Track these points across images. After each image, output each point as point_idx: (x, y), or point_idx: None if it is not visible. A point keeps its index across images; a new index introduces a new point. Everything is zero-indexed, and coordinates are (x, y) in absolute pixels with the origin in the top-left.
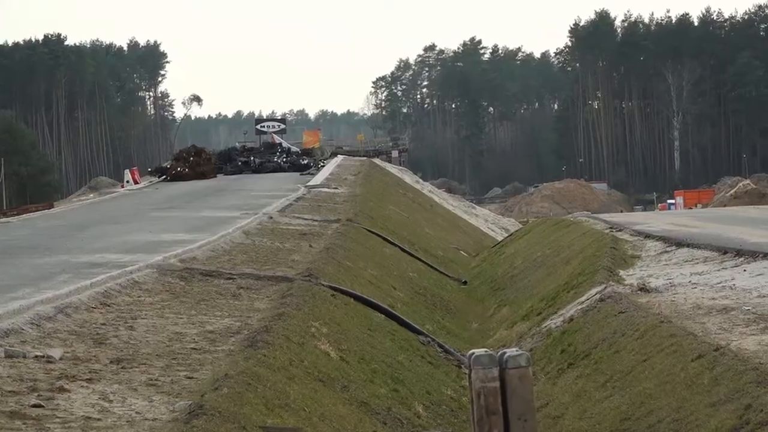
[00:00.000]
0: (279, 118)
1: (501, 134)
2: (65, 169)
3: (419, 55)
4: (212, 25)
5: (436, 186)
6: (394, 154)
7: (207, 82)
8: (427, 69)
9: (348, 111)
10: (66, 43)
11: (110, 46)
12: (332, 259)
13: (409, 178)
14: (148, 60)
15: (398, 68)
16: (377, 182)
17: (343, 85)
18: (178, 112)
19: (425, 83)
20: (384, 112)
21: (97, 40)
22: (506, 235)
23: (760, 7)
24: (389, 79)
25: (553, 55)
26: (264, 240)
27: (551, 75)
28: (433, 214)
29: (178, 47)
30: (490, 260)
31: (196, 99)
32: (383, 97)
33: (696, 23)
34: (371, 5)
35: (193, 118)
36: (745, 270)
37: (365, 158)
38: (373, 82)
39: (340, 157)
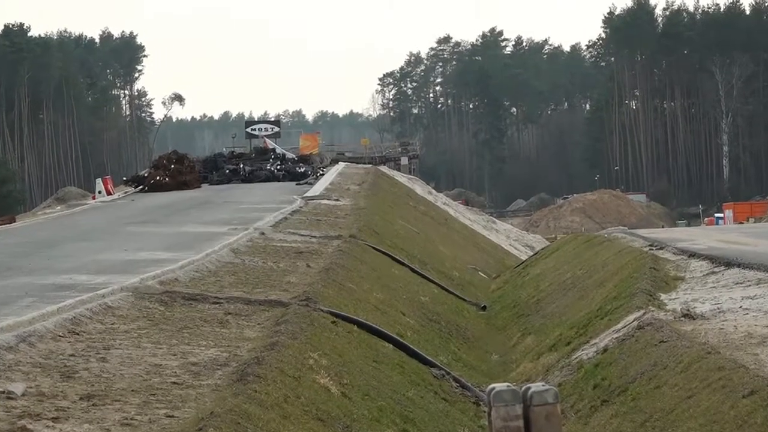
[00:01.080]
0: (272, 120)
1: (525, 138)
2: (29, 178)
3: (432, 49)
4: (195, 14)
5: (452, 197)
6: (404, 161)
7: (190, 79)
8: (441, 64)
9: (351, 112)
10: (30, 34)
11: (80, 37)
12: (333, 281)
13: (420, 188)
14: (123, 54)
15: (408, 63)
16: (384, 193)
17: (345, 83)
18: (158, 113)
19: (439, 80)
20: (392, 114)
21: (65, 31)
22: (531, 253)
23: None
24: (398, 75)
25: (584, 48)
26: (255, 259)
27: (582, 71)
28: (447, 230)
29: (157, 39)
30: (513, 282)
31: (178, 98)
32: (391, 96)
33: (748, 12)
34: None
35: (174, 120)
36: None
37: (370, 166)
38: (380, 80)
39: (341, 165)
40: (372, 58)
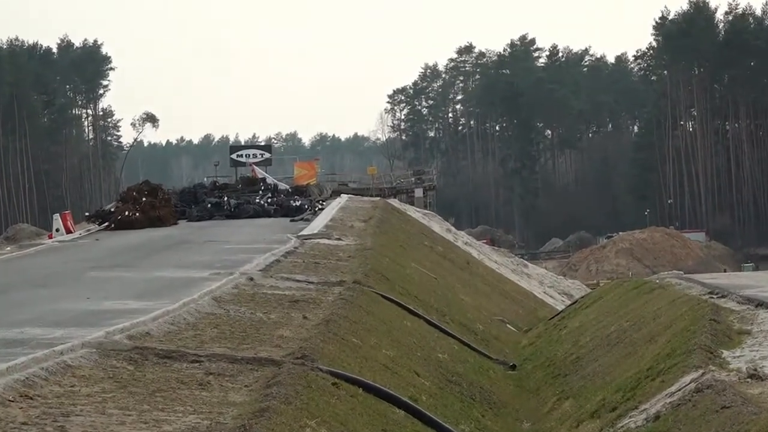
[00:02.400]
0: (262, 144)
1: (562, 167)
2: None
3: (451, 60)
4: (171, 20)
5: (475, 236)
6: (418, 192)
7: (165, 97)
8: (461, 78)
9: (355, 135)
10: None
11: (34, 47)
12: (334, 335)
13: (438, 225)
14: (86, 66)
15: (423, 78)
16: (395, 231)
17: (347, 101)
18: (126, 136)
19: (459, 97)
20: (404, 137)
21: (16, 40)
22: (569, 302)
23: None
24: (410, 92)
25: (631, 59)
26: (242, 309)
27: (630, 86)
28: (470, 275)
29: (125, 49)
30: (548, 337)
31: (151, 119)
32: (402, 117)
33: None
34: None
35: (146, 144)
36: None
37: (378, 199)
38: (389, 97)
39: (344, 197)
40: (380, 72)
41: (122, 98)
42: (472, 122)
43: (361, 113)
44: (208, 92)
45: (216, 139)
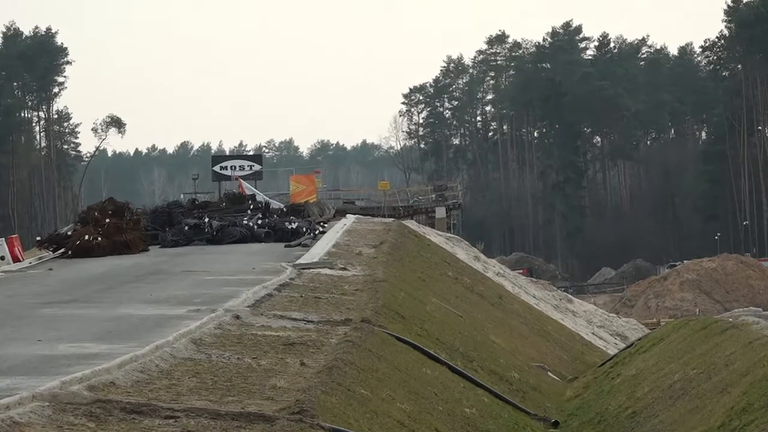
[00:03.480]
0: (251, 154)
1: (614, 181)
2: None
3: (480, 52)
4: (140, 7)
5: (509, 265)
6: (440, 212)
7: (133, 97)
8: (492, 74)
9: (363, 143)
10: None
11: None
12: (338, 385)
13: (463, 252)
14: (37, 59)
15: (445, 73)
16: (412, 259)
17: (354, 102)
18: (86, 144)
19: (489, 97)
20: (422, 145)
21: None
22: (623, 345)
23: None
24: (430, 90)
25: (698, 51)
26: (226, 354)
27: (696, 84)
28: (503, 312)
29: (84, 39)
30: (598, 387)
31: (116, 123)
32: (421, 121)
33: None
34: None
35: (110, 153)
36: None
37: (392, 220)
38: (405, 96)
39: (350, 218)
40: (393, 67)
41: (81, 98)
42: (504, 127)
43: (371, 117)
44: (185, 92)
45: (195, 148)
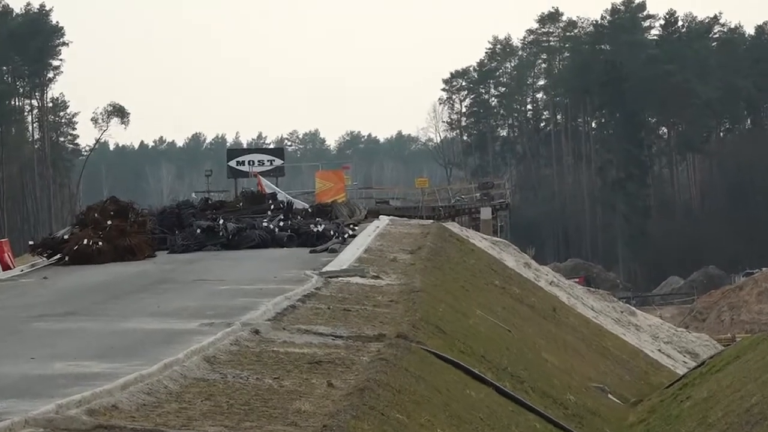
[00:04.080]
0: (271, 147)
1: (682, 177)
2: None
3: (530, 32)
4: None
5: (564, 273)
6: (485, 213)
7: (138, 83)
8: (544, 56)
9: (398, 135)
10: None
11: None
12: (371, 408)
13: (512, 258)
14: (30, 40)
15: (491, 56)
16: (454, 266)
17: (388, 89)
18: (85, 136)
19: (541, 83)
20: (465, 137)
21: None
22: (694, 364)
23: None
24: (474, 75)
25: None
26: (244, 374)
27: None
28: (557, 326)
29: (83, 18)
30: (664, 411)
31: (119, 113)
32: (464, 110)
33: None
34: None
35: (112, 147)
36: None
37: (431, 222)
38: (446, 82)
39: (384, 220)
40: (432, 49)
41: (79, 85)
42: (558, 116)
43: (407, 105)
44: (197, 77)
45: (208, 141)
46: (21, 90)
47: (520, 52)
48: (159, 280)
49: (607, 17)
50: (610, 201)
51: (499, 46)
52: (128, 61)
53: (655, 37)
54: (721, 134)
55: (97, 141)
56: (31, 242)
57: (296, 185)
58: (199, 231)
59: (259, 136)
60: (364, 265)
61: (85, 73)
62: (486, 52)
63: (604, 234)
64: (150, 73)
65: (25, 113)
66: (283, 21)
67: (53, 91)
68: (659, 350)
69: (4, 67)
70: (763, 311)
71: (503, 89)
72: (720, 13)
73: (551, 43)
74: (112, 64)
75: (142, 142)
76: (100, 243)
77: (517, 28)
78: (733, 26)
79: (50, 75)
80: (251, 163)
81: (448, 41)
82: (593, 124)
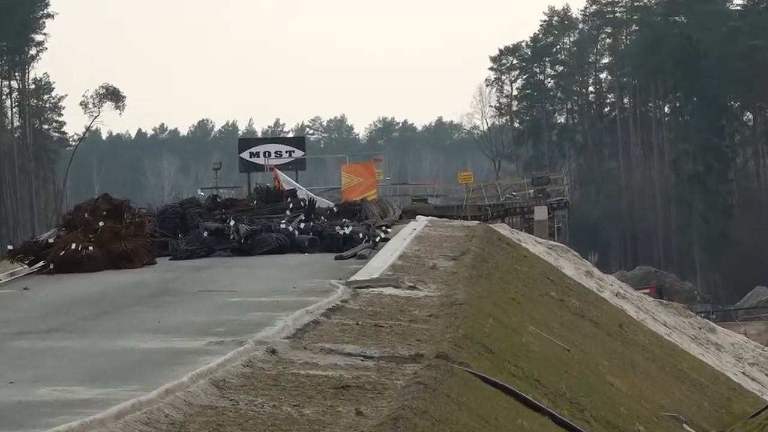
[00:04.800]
0: (290, 136)
1: None
2: None
3: (592, 1)
4: None
5: (632, 283)
6: (540, 213)
7: (135, 62)
8: (608, 30)
9: (438, 122)
10: None
11: None
12: None
13: (572, 265)
14: (9, 11)
15: (547, 29)
16: (503, 275)
17: (426, 68)
18: (74, 124)
19: (605, 61)
20: (517, 124)
21: None
22: None
23: None
24: (527, 53)
25: None
26: (258, 400)
27: None
28: (624, 344)
29: None
30: None
31: (113, 96)
32: (515, 93)
33: None
34: None
35: (104, 136)
36: None
37: (477, 223)
38: (494, 60)
39: (422, 221)
40: (478, 22)
41: (66, 63)
42: (625, 100)
43: (448, 87)
44: (203, 55)
45: (216, 129)
46: (1, 67)
47: (580, 25)
48: (159, 291)
49: None
50: (686, 199)
51: (556, 18)
52: (124, 36)
53: (739, 7)
54: None
55: (88, 129)
56: (9, 247)
57: (319, 180)
58: (206, 234)
59: (276, 124)
60: (398, 273)
61: (74, 49)
62: (541, 26)
63: (678, 237)
64: (149, 50)
65: (3, 96)
66: None
67: (36, 70)
68: (743, 373)
69: None
70: None
71: (561, 68)
72: None
73: (617, 15)
74: (105, 39)
75: (139, 130)
76: (91, 248)
77: None
78: None
79: (32, 52)
80: (267, 154)
81: (496, 13)
82: (666, 109)
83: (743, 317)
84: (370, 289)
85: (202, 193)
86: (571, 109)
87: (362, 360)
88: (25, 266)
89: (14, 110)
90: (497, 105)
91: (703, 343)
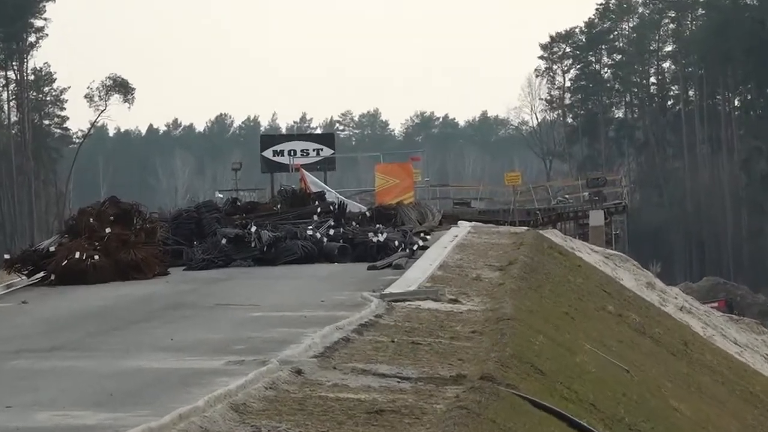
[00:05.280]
0: (318, 133)
1: None
2: None
3: None
4: None
5: (699, 296)
6: (596, 218)
7: (145, 51)
8: (672, 14)
9: (482, 116)
10: None
11: None
12: None
13: (630, 276)
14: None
15: (603, 13)
16: (555, 287)
17: (469, 57)
18: (78, 118)
19: (669, 49)
20: (570, 119)
21: None
22: None
23: None
24: (581, 40)
25: None
26: (282, 426)
27: None
28: (689, 365)
29: None
30: None
31: (121, 88)
32: (568, 83)
33: None
34: None
35: (112, 133)
36: None
37: (525, 229)
38: (544, 48)
39: (464, 226)
40: (527, 5)
41: (70, 52)
42: (690, 92)
43: (493, 78)
44: (221, 43)
45: (236, 125)
46: None
47: (640, 9)
48: (173, 304)
49: None
50: (758, 201)
51: (613, 1)
52: (133, 23)
53: None
54: None
55: (93, 124)
56: (6, 256)
57: (351, 182)
58: (224, 241)
59: (303, 119)
60: (438, 285)
61: (78, 37)
62: (596, 10)
63: (750, 245)
64: (161, 37)
65: (0, 88)
66: None
67: (35, 60)
68: None
69: None
70: None
71: (619, 57)
72: None
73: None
74: (112, 25)
75: (151, 126)
76: (97, 257)
77: None
78: None
79: (32, 39)
80: (292, 153)
81: None
82: (736, 102)
83: None
84: (407, 303)
85: (221, 196)
86: (631, 103)
87: (398, 381)
88: (24, 277)
89: (11, 104)
90: (548, 98)
91: None
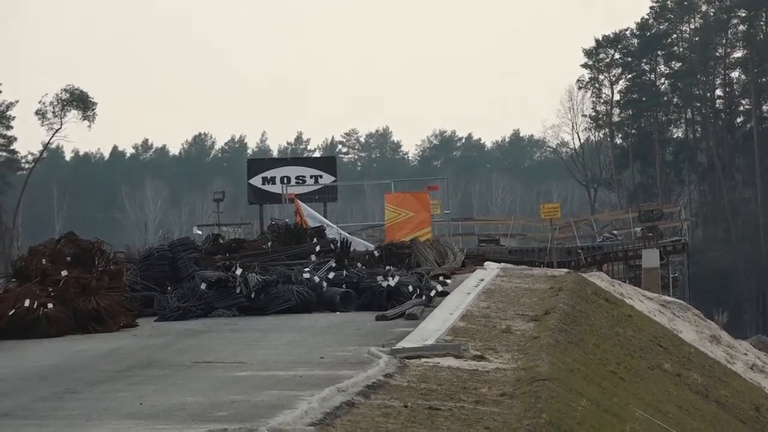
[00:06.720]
0: (316, 157)
1: None
2: None
3: None
4: None
5: None
6: (650, 258)
7: (109, 59)
8: (742, 14)
9: (513, 136)
10: None
11: None
12: None
13: (691, 328)
14: None
15: (658, 14)
16: (600, 340)
17: (497, 66)
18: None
19: (737, 55)
20: (619, 139)
21: None
22: None
23: None
24: (632, 42)
25: None
26: None
27: None
28: None
29: None
30: None
31: (80, 103)
32: (616, 97)
33: None
34: None
35: (68, 156)
36: None
37: (565, 271)
38: (587, 55)
39: (492, 268)
40: (568, 5)
41: (18, 63)
42: (764, 107)
43: (527, 92)
44: (199, 51)
45: (218, 147)
46: None
47: (704, 8)
48: (142, 362)
49: None
50: None
51: (670, 0)
52: (94, 23)
53: None
54: None
55: (46, 146)
56: None
57: (356, 215)
58: (204, 286)
59: (298, 140)
60: (460, 338)
61: (29, 44)
62: (651, 9)
63: None
64: (127, 44)
65: None
66: None
67: None
68: None
69: None
70: None
71: (678, 65)
72: None
73: None
74: (70, 28)
75: (115, 148)
76: (50, 305)
77: None
78: None
79: None
80: (285, 180)
81: None
82: None
83: None
84: (423, 360)
85: (199, 233)
86: (692, 120)
87: None
88: None
89: None
90: (593, 114)
91: None
